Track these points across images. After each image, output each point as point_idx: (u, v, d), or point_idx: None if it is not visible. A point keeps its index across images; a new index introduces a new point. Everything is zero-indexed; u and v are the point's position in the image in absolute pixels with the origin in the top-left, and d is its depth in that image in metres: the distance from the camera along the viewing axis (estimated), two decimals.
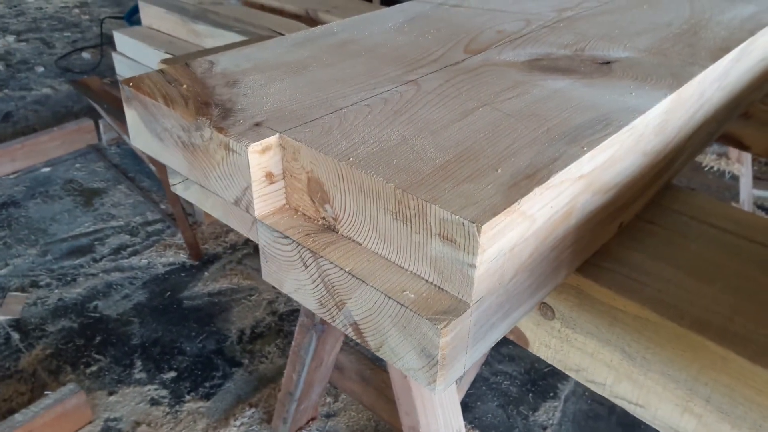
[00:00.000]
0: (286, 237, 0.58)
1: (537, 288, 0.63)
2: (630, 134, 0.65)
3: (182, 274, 2.17)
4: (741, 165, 2.66)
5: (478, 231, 0.48)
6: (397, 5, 1.00)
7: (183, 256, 2.24)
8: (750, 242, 0.76)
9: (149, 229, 2.39)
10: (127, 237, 2.34)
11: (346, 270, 0.54)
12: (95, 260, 2.22)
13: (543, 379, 1.84)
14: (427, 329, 0.49)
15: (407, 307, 0.50)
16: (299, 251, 0.58)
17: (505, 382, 1.83)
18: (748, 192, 2.68)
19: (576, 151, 0.58)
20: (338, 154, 0.56)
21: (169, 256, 2.25)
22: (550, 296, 0.71)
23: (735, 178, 2.83)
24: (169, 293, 2.08)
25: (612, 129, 0.63)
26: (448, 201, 0.50)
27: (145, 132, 0.69)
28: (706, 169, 2.95)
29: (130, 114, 0.69)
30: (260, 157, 0.58)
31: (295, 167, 0.60)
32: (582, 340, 0.70)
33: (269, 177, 0.60)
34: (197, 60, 0.75)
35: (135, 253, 2.26)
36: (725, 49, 0.86)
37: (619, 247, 0.74)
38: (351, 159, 0.56)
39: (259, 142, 0.58)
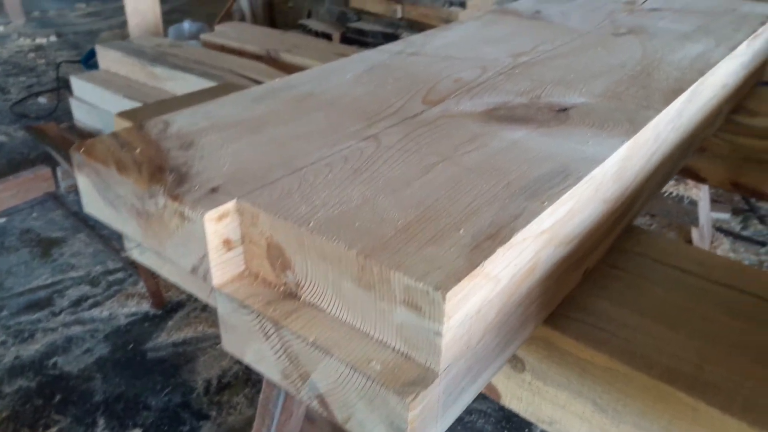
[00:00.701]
0: (246, 307, 0.56)
1: (505, 345, 0.62)
2: (589, 185, 0.65)
3: (145, 324, 2.11)
4: (699, 190, 2.72)
5: (443, 298, 0.47)
6: (356, 54, 1.00)
7: (146, 306, 2.18)
8: (713, 284, 0.76)
9: (110, 278, 2.33)
10: (88, 288, 2.27)
11: (310, 341, 0.52)
12: (54, 314, 2.15)
13: (516, 416, 1.82)
14: (395, 403, 0.48)
15: (374, 380, 0.49)
16: (260, 321, 0.56)
17: (480, 420, 1.81)
18: (706, 215, 2.74)
19: (536, 207, 0.58)
20: (298, 219, 0.55)
21: (131, 306, 2.19)
22: (519, 348, 0.70)
23: (694, 203, 2.89)
24: (132, 345, 2.02)
25: (571, 181, 0.63)
26: (412, 267, 0.49)
27: (98, 199, 0.66)
28: (666, 195, 3.01)
29: (82, 181, 0.67)
30: (217, 224, 0.57)
31: (253, 233, 0.58)
32: (553, 392, 0.69)
33: (227, 244, 0.58)
34: (152, 121, 0.74)
35: (96, 305, 2.19)
36: (678, 91, 0.88)
37: (584, 295, 0.73)
38: (311, 224, 0.55)
39: (215, 210, 0.56)
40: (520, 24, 1.18)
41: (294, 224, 0.54)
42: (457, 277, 0.48)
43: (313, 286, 0.56)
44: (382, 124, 0.75)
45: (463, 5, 3.21)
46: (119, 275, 2.34)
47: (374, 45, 3.60)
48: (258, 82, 2.49)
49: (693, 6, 1.33)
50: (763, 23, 1.21)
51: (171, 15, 5.31)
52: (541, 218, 0.58)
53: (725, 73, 1.08)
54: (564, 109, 0.80)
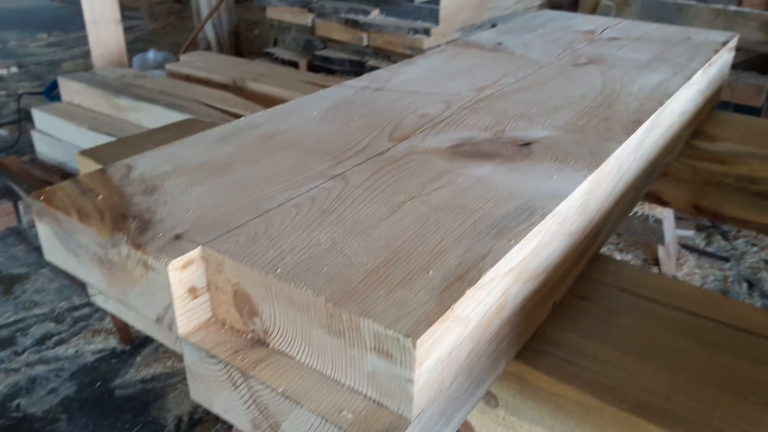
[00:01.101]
0: (213, 356, 0.55)
1: (478, 385, 0.62)
2: (554, 220, 0.66)
3: (113, 361, 2.05)
4: (663, 209, 2.78)
5: (414, 345, 0.47)
6: (321, 91, 1.00)
7: (113, 341, 2.13)
8: (679, 312, 0.77)
9: (76, 314, 2.27)
10: (52, 325, 2.21)
11: (279, 390, 0.52)
12: (17, 353, 2.08)
13: None
14: None
15: (345, 430, 0.48)
16: (228, 371, 0.55)
17: None
18: (671, 233, 2.80)
19: (504, 245, 0.58)
20: (265, 266, 0.54)
21: (98, 342, 2.13)
22: (492, 384, 0.70)
23: (659, 221, 2.95)
24: (99, 383, 1.96)
25: (536, 218, 0.64)
26: (381, 313, 0.49)
27: (59, 247, 0.65)
28: (631, 214, 3.06)
29: (43, 229, 0.65)
30: (181, 273, 0.56)
31: (219, 280, 0.57)
32: (527, 427, 0.69)
33: (192, 292, 0.57)
34: (114, 165, 0.72)
35: (61, 342, 2.13)
36: (638, 122, 0.90)
37: (554, 328, 0.74)
38: (279, 270, 0.54)
39: (179, 258, 0.55)
40: (482, 56, 1.20)
41: (260, 271, 0.54)
42: (427, 322, 0.48)
43: (282, 334, 0.55)
44: (349, 162, 0.75)
45: (427, 33, 3.25)
46: (85, 311, 2.28)
47: (341, 72, 3.62)
48: (224, 112, 2.48)
49: (649, 35, 1.37)
50: (716, 51, 1.25)
51: (135, 44, 5.28)
52: (509, 256, 0.58)
53: (683, 101, 1.11)
54: (527, 144, 0.82)
